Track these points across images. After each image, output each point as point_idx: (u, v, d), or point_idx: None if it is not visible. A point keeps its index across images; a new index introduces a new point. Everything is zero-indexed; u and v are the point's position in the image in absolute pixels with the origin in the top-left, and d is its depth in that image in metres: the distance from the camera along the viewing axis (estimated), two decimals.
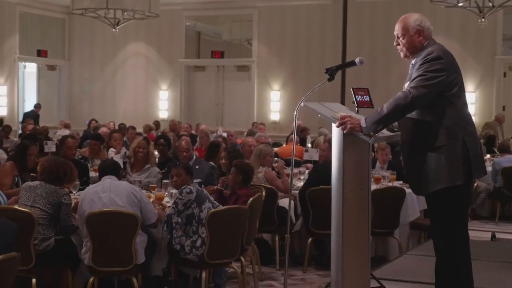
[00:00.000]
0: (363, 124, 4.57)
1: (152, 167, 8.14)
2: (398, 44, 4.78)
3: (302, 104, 4.80)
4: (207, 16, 21.21)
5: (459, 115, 4.60)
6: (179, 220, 6.22)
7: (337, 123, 4.66)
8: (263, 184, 7.80)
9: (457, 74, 4.63)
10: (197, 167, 7.99)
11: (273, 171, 8.48)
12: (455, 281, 4.63)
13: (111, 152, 10.17)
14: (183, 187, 6.24)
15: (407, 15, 4.78)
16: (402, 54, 4.79)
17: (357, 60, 4.90)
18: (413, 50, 4.72)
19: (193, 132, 15.42)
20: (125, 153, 9.77)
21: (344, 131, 4.63)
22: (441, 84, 4.52)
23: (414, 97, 4.48)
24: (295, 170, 9.00)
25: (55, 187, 5.96)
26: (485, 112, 17.18)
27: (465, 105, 4.71)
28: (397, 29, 4.75)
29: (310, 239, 7.68)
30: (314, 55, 18.68)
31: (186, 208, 6.13)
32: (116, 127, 16.39)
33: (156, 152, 9.47)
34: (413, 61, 4.75)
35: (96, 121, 17.13)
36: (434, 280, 4.77)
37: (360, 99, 4.87)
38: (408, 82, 4.64)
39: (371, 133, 4.57)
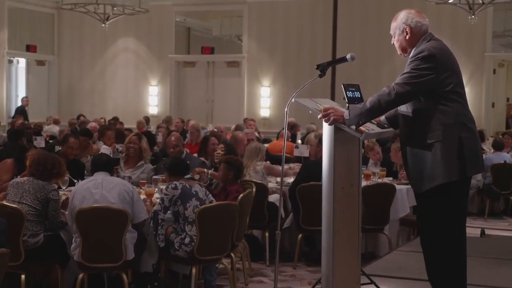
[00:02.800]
0: (346, 116, 4.59)
1: (146, 164, 8.12)
2: (393, 43, 4.81)
3: (293, 100, 4.79)
4: (197, 11, 21.16)
5: (455, 112, 4.56)
6: (170, 216, 6.22)
7: (320, 115, 4.66)
8: (254, 180, 7.79)
9: (450, 72, 4.59)
10: (187, 162, 7.97)
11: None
12: (450, 279, 4.62)
13: (104, 149, 10.11)
14: (169, 183, 6.23)
15: (397, 14, 4.78)
16: (398, 52, 4.81)
17: (348, 56, 4.90)
18: (403, 48, 4.73)
19: (184, 128, 15.37)
20: (117, 148, 9.73)
21: (327, 123, 4.64)
22: (429, 83, 4.49)
23: (398, 93, 4.48)
24: (285, 167, 9.00)
25: (43, 183, 5.92)
26: (474, 109, 17.18)
27: (463, 102, 4.65)
28: (391, 28, 4.77)
29: (300, 235, 7.69)
30: (305, 51, 18.67)
31: (171, 204, 6.11)
32: (106, 123, 16.33)
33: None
34: (408, 59, 4.73)
35: (84, 117, 17.06)
36: (424, 276, 4.77)
37: (351, 95, 4.86)
38: None
39: (354, 126, 4.57)
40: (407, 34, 4.69)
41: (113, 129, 10.81)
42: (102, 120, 17.31)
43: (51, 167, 6.02)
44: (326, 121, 4.64)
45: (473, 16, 14.98)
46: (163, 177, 7.30)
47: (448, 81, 4.56)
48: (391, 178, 8.67)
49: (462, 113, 4.62)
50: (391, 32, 4.76)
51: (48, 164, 6.00)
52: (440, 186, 4.52)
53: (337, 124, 4.61)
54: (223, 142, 8.48)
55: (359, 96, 4.93)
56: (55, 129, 16.15)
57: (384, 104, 4.53)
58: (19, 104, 20.34)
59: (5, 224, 4.22)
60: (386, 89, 4.54)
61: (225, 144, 8.12)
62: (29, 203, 5.79)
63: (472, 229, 9.27)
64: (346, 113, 4.59)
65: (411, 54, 4.65)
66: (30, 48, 20.82)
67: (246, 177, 7.97)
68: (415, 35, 4.69)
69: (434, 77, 4.50)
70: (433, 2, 15.54)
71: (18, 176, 6.60)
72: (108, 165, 6.29)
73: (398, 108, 4.71)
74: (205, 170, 7.85)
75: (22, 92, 21.30)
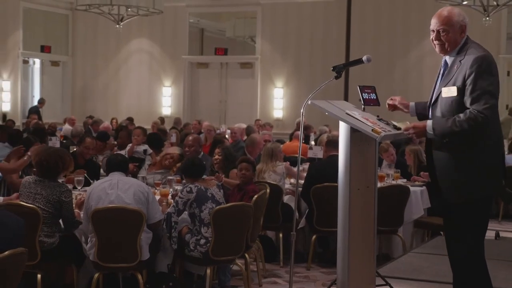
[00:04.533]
0: (430, 130, 4.47)
1: (168, 172, 8.13)
2: (438, 39, 4.54)
3: (309, 102, 4.80)
4: (211, 13, 21.21)
5: (495, 121, 4.46)
6: (186, 217, 6.25)
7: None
8: (271, 181, 7.82)
9: None
10: (204, 163, 8.00)
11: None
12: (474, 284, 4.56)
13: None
14: (185, 185, 6.25)
15: (450, 9, 4.58)
16: (439, 49, 4.57)
17: (364, 58, 4.90)
18: (454, 46, 4.52)
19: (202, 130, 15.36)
20: (145, 150, 9.68)
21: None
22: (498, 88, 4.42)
23: (487, 117, 4.33)
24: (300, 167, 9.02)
25: (54, 184, 5.88)
26: None
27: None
28: (439, 24, 4.50)
29: (314, 236, 7.69)
30: (318, 52, 18.67)
31: (186, 207, 6.13)
32: (118, 123, 16.38)
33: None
34: (449, 61, 4.57)
35: (91, 117, 17.11)
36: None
37: (367, 97, 4.88)
38: (448, 87, 4.49)
39: (371, 129, 4.55)
40: (462, 32, 4.52)
41: (141, 128, 10.78)
42: (114, 121, 17.36)
43: (55, 165, 5.95)
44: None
45: (487, 18, 14.94)
46: (178, 178, 7.32)
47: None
48: (405, 180, 8.66)
49: (498, 121, 4.53)
50: (440, 28, 4.50)
51: (51, 163, 5.94)
52: (476, 198, 4.45)
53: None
54: (220, 146, 8.44)
55: (375, 97, 4.95)
56: (69, 129, 16.20)
57: (474, 131, 4.36)
58: (35, 104, 20.41)
59: (23, 224, 4.24)
60: (477, 116, 4.31)
61: (221, 148, 8.08)
62: (41, 206, 5.76)
63: (487, 231, 9.26)
64: (429, 128, 4.47)
65: (453, 58, 4.52)
66: (44, 49, 20.93)
67: (265, 176, 7.99)
68: (465, 34, 4.56)
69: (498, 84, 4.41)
70: (447, 4, 15.50)
71: (31, 174, 6.61)
72: (122, 165, 6.29)
73: (437, 113, 4.57)
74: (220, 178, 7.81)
75: (36, 93, 21.40)
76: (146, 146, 9.77)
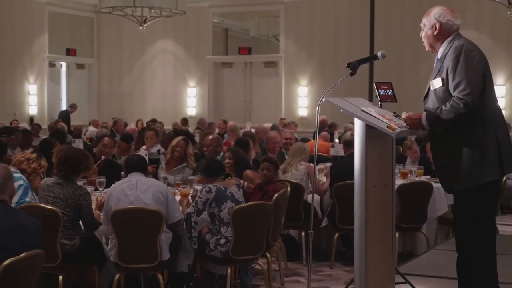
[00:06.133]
0: (424, 122, 4.55)
1: (187, 167, 8.13)
2: (422, 37, 4.78)
3: (323, 99, 4.77)
4: (234, 12, 21.23)
5: (490, 109, 4.52)
6: (206, 217, 6.25)
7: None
8: (293, 179, 7.81)
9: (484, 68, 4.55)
10: (222, 163, 7.98)
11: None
12: (480, 278, 4.57)
13: (143, 151, 10.19)
14: (204, 185, 6.25)
15: (431, 9, 4.75)
16: (426, 47, 4.78)
17: (379, 54, 4.87)
18: (429, 43, 4.71)
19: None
20: (158, 150, 9.75)
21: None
22: (482, 72, 4.47)
23: (470, 102, 4.42)
24: (322, 166, 8.98)
25: (72, 188, 5.88)
26: None
27: (495, 98, 4.63)
28: (422, 22, 4.75)
29: (336, 235, 7.66)
30: (342, 49, 18.59)
31: (205, 207, 6.13)
32: (144, 125, 16.46)
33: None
34: (438, 56, 4.69)
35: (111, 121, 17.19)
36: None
37: (383, 93, 4.84)
38: (435, 79, 4.59)
39: (386, 125, 4.54)
40: (435, 30, 4.65)
41: (153, 130, 10.85)
42: (140, 122, 17.43)
43: (79, 162, 5.97)
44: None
45: None
46: (198, 178, 7.32)
47: (486, 75, 4.52)
48: (428, 177, 8.58)
49: (495, 109, 4.57)
50: (421, 25, 4.74)
51: (75, 159, 5.96)
52: (474, 186, 4.47)
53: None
54: (229, 149, 8.41)
55: (392, 94, 4.92)
56: (94, 131, 16.32)
57: (460, 118, 4.44)
58: (64, 107, 20.52)
59: (39, 225, 4.26)
60: (459, 102, 4.41)
61: (231, 152, 8.03)
62: (60, 210, 5.77)
63: (507, 226, 9.18)
64: (423, 119, 4.55)
65: (441, 53, 4.62)
66: (70, 52, 21.08)
67: (288, 174, 7.97)
68: (443, 32, 4.65)
69: (481, 70, 4.47)
70: None
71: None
72: (141, 165, 6.29)
73: (429, 105, 4.66)
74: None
75: (63, 96, 21.53)
76: (158, 146, 9.81)
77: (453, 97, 4.44)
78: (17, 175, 5.97)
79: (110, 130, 14.91)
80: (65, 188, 5.87)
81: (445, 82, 4.53)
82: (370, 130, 4.61)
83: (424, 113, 4.59)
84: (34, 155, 6.43)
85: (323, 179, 8.43)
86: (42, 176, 6.62)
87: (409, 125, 4.61)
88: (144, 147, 9.94)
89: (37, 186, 6.44)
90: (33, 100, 19.94)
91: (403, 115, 4.68)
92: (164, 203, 5.96)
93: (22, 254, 3.94)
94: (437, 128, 4.55)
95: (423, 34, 4.74)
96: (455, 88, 4.45)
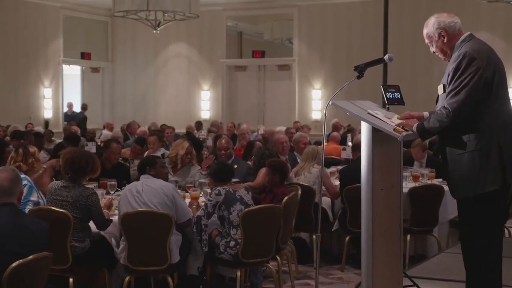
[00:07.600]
0: (414, 129, 4.54)
1: (192, 166, 8.17)
2: (434, 52, 4.72)
3: (330, 103, 4.78)
4: (248, 16, 21.26)
5: (494, 116, 4.42)
6: (215, 219, 6.27)
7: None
8: (305, 182, 7.81)
9: (493, 73, 4.42)
10: (235, 166, 8.01)
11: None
12: (485, 284, 4.54)
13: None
14: (213, 188, 6.27)
15: (426, 23, 4.69)
16: (442, 58, 4.73)
17: (386, 57, 4.87)
18: (445, 52, 4.62)
19: (235, 132, 15.43)
20: (163, 154, 9.80)
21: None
22: (479, 87, 4.36)
23: (455, 111, 4.40)
24: (333, 169, 8.98)
25: (80, 190, 5.90)
26: None
27: (505, 103, 4.51)
28: (424, 36, 4.69)
29: (347, 238, 7.65)
30: (355, 52, 18.56)
31: (215, 210, 6.15)
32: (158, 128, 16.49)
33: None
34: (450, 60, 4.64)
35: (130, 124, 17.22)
36: None
37: (391, 96, 4.83)
38: (440, 85, 4.57)
39: (393, 128, 4.53)
40: (444, 37, 4.57)
41: (156, 135, 10.87)
42: (153, 126, 17.44)
43: (85, 164, 6.00)
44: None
45: None
46: (209, 181, 7.34)
47: (492, 82, 4.42)
48: (440, 180, 8.54)
49: (502, 116, 4.47)
50: (426, 41, 4.66)
51: (82, 161, 5.99)
52: (476, 195, 4.43)
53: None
54: (256, 153, 8.42)
55: (399, 96, 4.89)
56: (109, 134, 16.38)
57: (444, 127, 4.44)
58: (79, 110, 20.62)
59: (46, 227, 4.29)
60: (443, 112, 4.40)
61: (255, 155, 8.04)
62: (69, 213, 5.82)
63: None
64: (414, 127, 4.53)
65: (451, 59, 4.54)
66: (84, 56, 21.19)
67: (301, 177, 7.97)
68: (452, 36, 4.57)
69: (482, 80, 4.36)
70: (485, 1, 15.29)
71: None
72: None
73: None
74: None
75: (78, 99, 21.63)
76: (163, 150, 9.84)
77: (441, 106, 4.44)
78: (21, 175, 6.02)
79: (123, 133, 14.97)
80: (72, 191, 5.90)
81: (446, 89, 4.49)
82: (376, 133, 4.61)
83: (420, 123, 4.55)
84: (20, 151, 6.55)
85: (336, 182, 8.43)
86: (51, 178, 6.69)
87: (404, 125, 4.57)
88: (147, 152, 9.96)
89: (44, 183, 6.49)
90: (48, 104, 20.05)
91: (395, 118, 4.65)
92: (169, 206, 5.98)
93: (30, 257, 3.98)
94: (425, 135, 4.56)
95: (434, 49, 4.66)
96: (446, 96, 4.43)
